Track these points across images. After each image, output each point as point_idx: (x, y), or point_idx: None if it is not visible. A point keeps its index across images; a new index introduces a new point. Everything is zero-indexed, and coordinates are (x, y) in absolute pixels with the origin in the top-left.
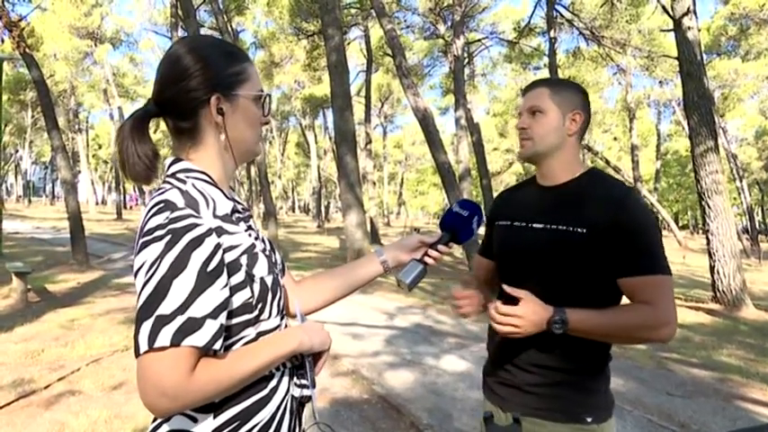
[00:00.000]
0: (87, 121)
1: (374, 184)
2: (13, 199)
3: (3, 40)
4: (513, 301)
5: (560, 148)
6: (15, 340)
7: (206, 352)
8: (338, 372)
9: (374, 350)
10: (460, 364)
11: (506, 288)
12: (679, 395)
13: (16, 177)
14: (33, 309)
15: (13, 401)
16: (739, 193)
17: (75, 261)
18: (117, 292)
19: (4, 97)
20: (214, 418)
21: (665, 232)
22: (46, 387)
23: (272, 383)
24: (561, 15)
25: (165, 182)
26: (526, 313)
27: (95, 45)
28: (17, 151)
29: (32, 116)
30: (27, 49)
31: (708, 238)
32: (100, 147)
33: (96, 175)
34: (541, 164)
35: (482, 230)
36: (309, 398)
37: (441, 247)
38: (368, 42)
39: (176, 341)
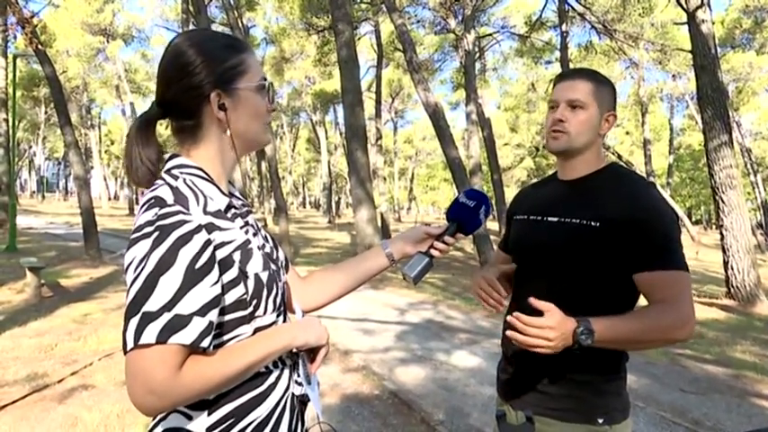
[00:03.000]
0: (100, 117)
1: (385, 179)
2: (27, 194)
3: (16, 37)
4: (536, 312)
5: (589, 146)
6: (29, 335)
7: (194, 349)
8: (349, 367)
9: (385, 346)
10: (472, 360)
11: (532, 301)
12: (692, 392)
13: (30, 173)
14: (47, 303)
15: (26, 395)
16: (753, 188)
17: (87, 256)
18: None
19: (18, 93)
20: (209, 414)
21: None
22: (59, 381)
23: (270, 380)
24: (573, 9)
25: (159, 178)
26: (557, 324)
27: (107, 41)
28: (31, 147)
29: (45, 112)
30: (40, 46)
31: (722, 234)
32: (112, 142)
33: (109, 170)
34: (567, 159)
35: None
36: (308, 396)
37: (447, 238)
38: (378, 37)
39: (162, 338)
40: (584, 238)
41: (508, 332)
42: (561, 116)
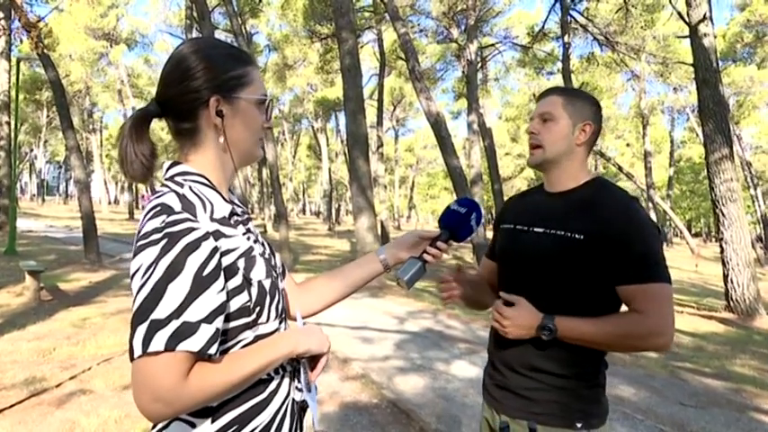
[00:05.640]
0: (101, 121)
1: (385, 187)
2: (28, 197)
3: (21, 41)
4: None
5: (568, 156)
6: (28, 338)
7: (201, 357)
8: (348, 376)
9: (384, 354)
10: (471, 370)
11: (502, 294)
12: (692, 405)
13: (31, 176)
14: (46, 307)
15: (24, 399)
16: (753, 202)
17: (87, 260)
18: (129, 291)
19: (20, 96)
20: (212, 422)
21: (677, 240)
22: (57, 386)
23: (271, 387)
24: (575, 21)
25: (162, 185)
26: (513, 316)
27: (111, 46)
28: (32, 150)
29: (47, 116)
30: (44, 50)
31: (721, 247)
32: (113, 147)
33: (109, 174)
34: (549, 171)
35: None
36: (306, 402)
37: (440, 244)
38: (381, 46)
39: (171, 346)
40: (568, 250)
41: (493, 323)
42: (533, 129)
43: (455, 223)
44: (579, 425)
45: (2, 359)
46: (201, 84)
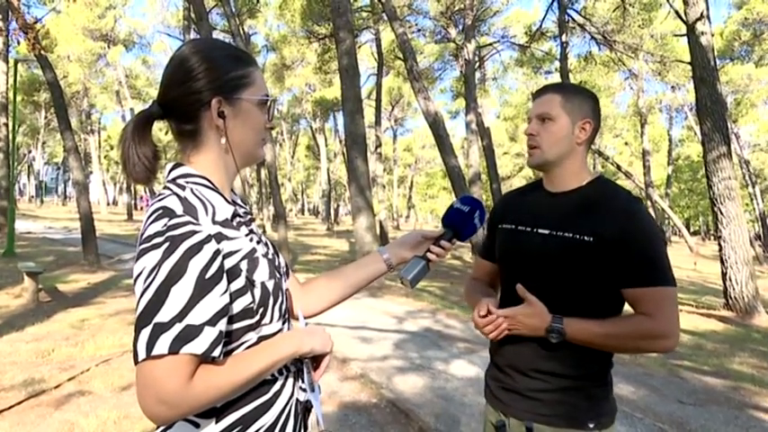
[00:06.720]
0: (100, 123)
1: (384, 187)
2: (26, 199)
3: (19, 42)
4: (518, 301)
5: (568, 156)
6: (27, 339)
7: (205, 359)
8: (347, 375)
9: (383, 354)
10: (470, 369)
11: (519, 288)
12: (691, 403)
13: (29, 178)
14: (44, 308)
15: (23, 401)
16: (752, 200)
17: (86, 261)
18: (127, 292)
19: (18, 98)
20: (216, 422)
21: (675, 238)
22: (56, 387)
23: (275, 387)
24: (573, 20)
25: (164, 187)
26: (525, 313)
27: (108, 47)
28: (30, 152)
29: (45, 117)
30: (42, 51)
31: (720, 245)
32: (112, 148)
33: (108, 176)
34: (549, 171)
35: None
36: (310, 402)
37: (444, 243)
38: (379, 46)
39: (175, 349)
40: (577, 252)
41: (481, 324)
42: (532, 130)
43: (459, 222)
44: (591, 425)
45: (1, 360)
46: (203, 85)
